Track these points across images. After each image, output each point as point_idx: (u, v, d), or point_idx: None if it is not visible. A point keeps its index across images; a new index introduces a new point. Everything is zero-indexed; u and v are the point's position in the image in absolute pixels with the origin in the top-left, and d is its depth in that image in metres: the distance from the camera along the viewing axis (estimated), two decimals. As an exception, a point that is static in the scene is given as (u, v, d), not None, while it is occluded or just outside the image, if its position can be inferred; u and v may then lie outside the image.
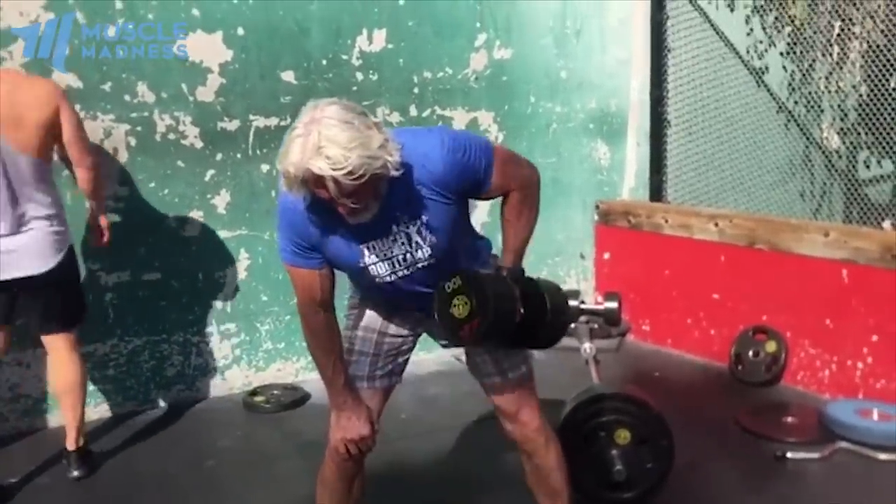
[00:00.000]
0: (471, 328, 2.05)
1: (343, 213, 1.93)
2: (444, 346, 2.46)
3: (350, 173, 1.79)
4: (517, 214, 2.20)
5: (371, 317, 2.36)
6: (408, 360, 2.46)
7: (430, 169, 2.01)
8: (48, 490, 3.33)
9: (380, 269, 2.12)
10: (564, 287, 4.98)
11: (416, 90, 4.59)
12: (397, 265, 2.11)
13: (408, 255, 2.10)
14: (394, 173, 1.89)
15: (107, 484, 3.39)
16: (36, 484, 3.36)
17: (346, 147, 1.79)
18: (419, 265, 2.12)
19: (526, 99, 4.97)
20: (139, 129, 3.92)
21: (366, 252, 2.09)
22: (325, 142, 1.78)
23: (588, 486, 2.98)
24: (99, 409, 3.99)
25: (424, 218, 2.05)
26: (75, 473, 3.39)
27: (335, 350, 2.23)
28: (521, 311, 2.10)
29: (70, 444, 3.39)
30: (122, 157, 3.91)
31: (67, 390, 3.37)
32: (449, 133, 2.10)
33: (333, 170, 1.79)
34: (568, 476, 2.54)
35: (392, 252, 2.09)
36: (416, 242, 2.08)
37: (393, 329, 2.36)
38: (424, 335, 2.47)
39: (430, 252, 2.11)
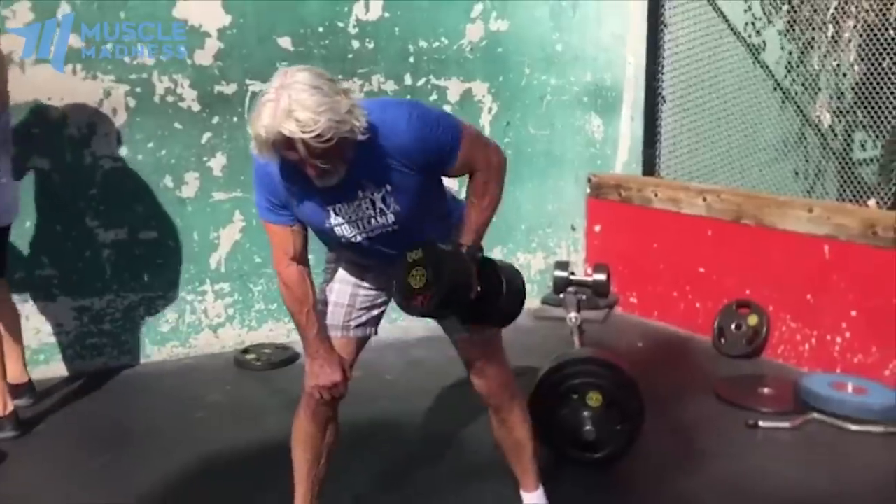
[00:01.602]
0: (424, 299, 2.16)
1: (311, 175, 2.02)
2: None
3: (319, 136, 1.88)
4: (480, 194, 2.25)
5: (346, 270, 2.45)
6: (383, 313, 2.54)
7: (395, 140, 2.07)
8: (39, 437, 3.44)
9: (345, 231, 2.21)
10: (554, 259, 5.10)
11: (411, 59, 4.65)
12: (362, 227, 2.20)
13: (372, 220, 2.18)
14: (360, 137, 1.97)
15: (96, 433, 3.51)
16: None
17: (315, 111, 1.87)
18: (384, 230, 2.21)
19: (521, 71, 5.03)
20: (138, 90, 4.00)
21: (332, 213, 2.18)
22: (296, 105, 1.86)
23: (559, 446, 3.09)
24: (95, 363, 4.11)
25: (388, 187, 2.13)
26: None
27: (308, 302, 2.32)
28: (478, 288, 2.21)
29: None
30: (121, 117, 4.00)
31: (15, 330, 3.56)
32: (418, 107, 2.17)
33: (303, 132, 1.87)
34: (532, 431, 2.66)
35: (357, 215, 2.18)
36: (380, 209, 2.16)
37: (367, 283, 2.45)
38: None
39: (393, 219, 2.19)
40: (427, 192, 2.22)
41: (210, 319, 4.39)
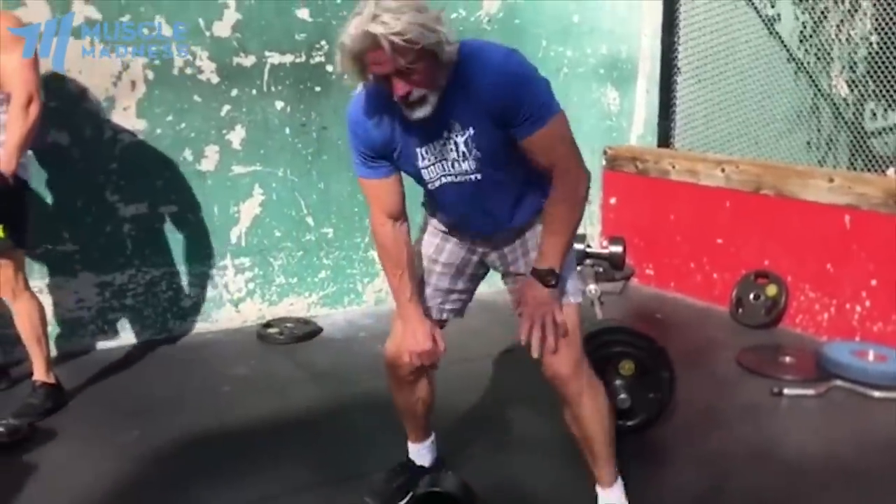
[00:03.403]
0: None
1: (400, 100, 1.96)
2: (503, 276, 2.52)
3: (401, 34, 1.84)
4: (552, 216, 2.17)
5: (448, 251, 2.44)
6: (474, 291, 2.57)
7: (483, 81, 1.99)
8: (66, 411, 3.44)
9: (432, 173, 2.18)
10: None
11: (429, 31, 4.60)
12: (448, 168, 2.16)
13: (455, 164, 2.14)
14: (448, 49, 1.91)
15: (124, 406, 3.50)
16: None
17: (399, 11, 1.85)
18: (467, 178, 2.16)
19: (538, 43, 4.99)
20: (157, 62, 3.97)
21: (421, 155, 2.15)
22: (381, 10, 1.86)
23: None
24: (118, 339, 4.11)
25: (472, 130, 2.07)
26: None
27: (403, 265, 2.31)
28: None
29: None
30: (140, 90, 3.96)
31: None
32: (519, 55, 2.04)
33: (387, 31, 1.84)
34: (609, 423, 2.46)
35: (443, 155, 2.13)
36: (463, 152, 2.11)
37: (458, 265, 2.45)
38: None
39: (474, 166, 2.13)
40: (510, 149, 2.11)
41: (231, 294, 4.39)
